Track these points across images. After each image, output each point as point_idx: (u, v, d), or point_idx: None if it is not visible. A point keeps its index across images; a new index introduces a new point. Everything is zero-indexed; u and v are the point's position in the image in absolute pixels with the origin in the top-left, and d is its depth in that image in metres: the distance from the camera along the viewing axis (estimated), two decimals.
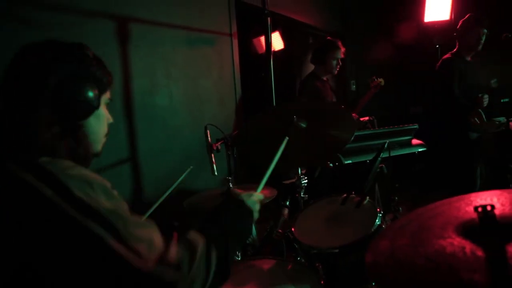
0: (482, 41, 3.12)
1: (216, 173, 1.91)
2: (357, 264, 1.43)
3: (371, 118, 3.35)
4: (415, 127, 2.59)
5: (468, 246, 0.94)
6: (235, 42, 3.51)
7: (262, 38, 3.61)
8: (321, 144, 1.71)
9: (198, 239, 0.92)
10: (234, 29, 3.49)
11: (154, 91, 2.77)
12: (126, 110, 2.58)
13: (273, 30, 4.53)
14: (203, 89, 3.18)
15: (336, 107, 2.57)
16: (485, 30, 3.09)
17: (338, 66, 3.16)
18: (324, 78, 3.23)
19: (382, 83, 3.52)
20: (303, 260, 1.70)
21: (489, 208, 0.96)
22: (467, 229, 1.02)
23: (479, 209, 0.97)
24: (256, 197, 1.15)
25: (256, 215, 1.13)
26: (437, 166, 3.87)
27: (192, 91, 3.09)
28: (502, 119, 2.81)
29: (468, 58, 3.26)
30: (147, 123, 2.69)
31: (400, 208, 2.02)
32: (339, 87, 5.67)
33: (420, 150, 2.60)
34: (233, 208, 1.07)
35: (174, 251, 0.86)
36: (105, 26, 2.40)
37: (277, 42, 4.66)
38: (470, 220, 1.04)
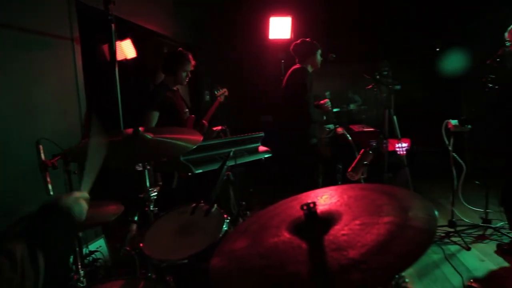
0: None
1: (51, 193, 1.70)
2: (207, 271, 1.45)
3: (223, 128, 3.49)
4: (261, 135, 2.81)
5: (296, 241, 1.05)
6: (78, 48, 3.19)
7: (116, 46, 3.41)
8: (167, 153, 1.70)
9: (16, 245, 0.92)
10: (76, 33, 3.18)
11: None
12: None
13: (123, 38, 4.34)
14: (38, 99, 2.79)
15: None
16: (320, 51, 3.63)
17: (188, 78, 3.19)
18: (174, 88, 3.22)
19: (226, 93, 3.74)
20: (154, 276, 1.65)
21: (311, 205, 1.09)
22: (296, 226, 1.14)
23: (304, 207, 1.10)
24: (75, 196, 1.10)
25: (78, 213, 1.08)
26: (288, 169, 4.27)
27: (24, 101, 2.68)
28: (331, 126, 3.29)
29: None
30: None
31: (248, 212, 2.15)
32: (193, 97, 5.77)
33: (266, 156, 2.83)
34: (48, 209, 1.06)
35: None
36: None
37: (128, 50, 4.48)
38: (299, 217, 1.16)
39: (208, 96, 5.97)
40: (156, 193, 1.84)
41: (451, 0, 6.05)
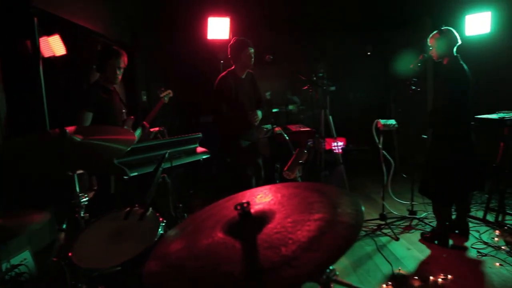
0: (253, 59, 3.61)
1: None
2: (142, 277, 1.40)
3: (161, 129, 3.40)
4: (199, 136, 2.77)
5: (229, 241, 1.05)
6: None
7: (39, 41, 3.15)
8: (99, 155, 1.61)
9: None
10: None
11: None
12: None
13: (51, 33, 4.04)
14: None
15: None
16: (252, 49, 3.59)
17: (120, 76, 3.04)
18: (111, 88, 3.06)
19: (171, 94, 3.63)
20: (84, 286, 1.56)
21: (245, 205, 1.10)
22: (231, 226, 1.14)
23: (238, 207, 1.10)
24: None
25: None
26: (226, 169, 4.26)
27: None
28: (269, 126, 3.33)
29: (243, 76, 3.69)
30: None
31: (186, 214, 2.11)
32: (130, 97, 5.55)
33: (204, 157, 2.80)
34: None
35: None
36: None
37: (57, 46, 4.19)
38: (233, 217, 1.16)
39: (145, 96, 5.78)
40: (87, 198, 1.74)
41: (381, 8, 6.43)
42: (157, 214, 1.63)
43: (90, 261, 1.47)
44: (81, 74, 4.93)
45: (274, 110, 6.13)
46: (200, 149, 2.81)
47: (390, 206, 4.23)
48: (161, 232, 1.52)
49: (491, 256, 3.07)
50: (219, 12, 5.05)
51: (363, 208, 1.07)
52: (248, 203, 1.08)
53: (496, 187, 3.83)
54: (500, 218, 3.71)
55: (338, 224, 0.98)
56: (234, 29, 5.15)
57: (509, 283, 2.66)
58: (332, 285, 1.05)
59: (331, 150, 5.67)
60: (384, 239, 3.61)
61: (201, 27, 5.11)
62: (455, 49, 3.28)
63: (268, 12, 6.11)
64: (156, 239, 1.49)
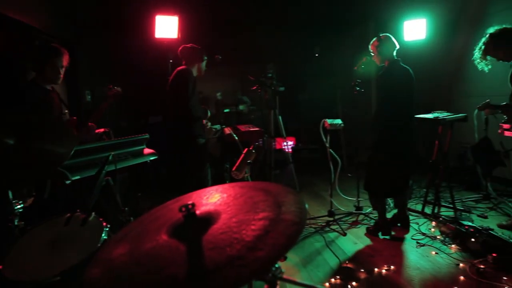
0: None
1: None
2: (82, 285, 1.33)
3: (106, 130, 3.26)
4: (146, 136, 2.69)
5: (174, 244, 1.04)
6: None
7: None
8: (36, 159, 1.51)
9: None
10: None
11: None
12: None
13: None
14: None
15: (53, 121, 2.36)
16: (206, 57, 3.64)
17: (62, 76, 2.87)
18: (49, 88, 2.88)
19: (120, 92, 3.48)
20: None
21: (190, 206, 1.09)
22: (176, 229, 1.12)
23: (183, 209, 1.09)
24: None
25: None
26: (177, 170, 4.18)
27: None
28: (218, 126, 3.32)
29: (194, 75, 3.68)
30: None
31: (132, 218, 2.04)
32: (72, 97, 5.27)
33: (152, 158, 2.72)
34: None
35: None
36: None
37: None
38: (179, 219, 1.15)
39: (89, 96, 5.52)
40: (22, 205, 1.62)
41: (329, 11, 6.65)
42: (101, 219, 1.56)
43: (25, 273, 1.38)
44: (17, 72, 4.61)
45: (225, 111, 6.12)
46: (147, 151, 2.73)
47: (338, 203, 4.39)
48: (104, 237, 1.46)
49: (428, 245, 3.29)
50: (167, 11, 4.95)
51: (306, 206, 1.10)
52: (193, 204, 1.07)
53: (432, 182, 4.12)
54: (436, 210, 3.98)
55: (282, 222, 1.00)
56: (182, 28, 5.08)
57: (443, 269, 2.87)
58: (278, 283, 1.06)
59: (281, 150, 5.77)
60: (332, 234, 3.74)
61: (149, 26, 4.99)
62: (395, 53, 3.49)
63: (217, 11, 6.09)
64: (99, 244, 1.43)
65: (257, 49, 7.02)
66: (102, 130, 3.27)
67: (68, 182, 2.15)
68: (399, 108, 3.39)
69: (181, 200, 1.38)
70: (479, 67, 3.44)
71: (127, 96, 3.60)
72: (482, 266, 2.79)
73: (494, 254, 2.82)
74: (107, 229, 1.50)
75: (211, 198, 1.25)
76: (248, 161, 2.35)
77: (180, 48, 3.69)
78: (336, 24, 6.87)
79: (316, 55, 7.34)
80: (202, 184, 3.48)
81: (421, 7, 5.46)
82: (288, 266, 3.11)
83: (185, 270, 0.90)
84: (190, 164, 3.55)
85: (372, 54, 3.57)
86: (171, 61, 4.86)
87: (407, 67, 3.46)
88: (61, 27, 5.09)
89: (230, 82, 7.55)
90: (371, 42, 3.57)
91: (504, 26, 3.29)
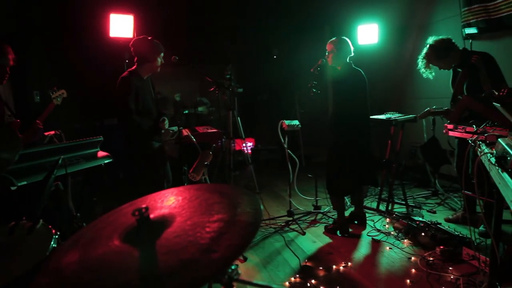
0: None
1: None
2: None
3: (57, 132, 3.11)
4: (100, 139, 2.59)
5: (127, 249, 1.01)
6: None
7: None
8: None
9: None
10: None
11: None
12: None
13: None
14: None
15: None
16: (162, 54, 3.40)
17: (7, 75, 2.70)
18: None
19: (65, 95, 3.31)
20: None
21: (144, 210, 1.06)
22: (129, 233, 1.09)
23: (136, 213, 1.06)
24: None
25: None
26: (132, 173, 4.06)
27: None
28: (175, 128, 3.26)
29: (145, 77, 3.45)
30: None
31: (85, 224, 1.96)
32: (20, 98, 4.98)
33: (106, 161, 2.63)
34: None
35: None
36: None
37: None
38: (132, 224, 1.11)
39: (38, 97, 5.24)
40: None
41: (286, 14, 6.76)
42: (50, 226, 1.49)
43: None
44: None
45: (185, 112, 6.04)
46: (101, 154, 2.64)
47: (296, 203, 4.46)
48: (53, 245, 1.39)
49: (383, 241, 3.43)
50: (122, 9, 4.81)
51: (262, 207, 1.11)
52: (147, 208, 1.05)
53: (386, 180, 4.29)
54: (390, 207, 4.16)
55: (237, 224, 1.00)
56: (138, 28, 4.95)
57: (397, 263, 3.00)
58: (234, 285, 1.06)
59: (240, 151, 5.78)
60: (292, 234, 3.79)
61: (103, 24, 4.82)
62: (348, 59, 3.61)
63: (173, 11, 6.00)
64: (48, 253, 1.36)
65: (216, 50, 6.99)
66: (52, 132, 3.12)
67: (13, 188, 2.02)
68: (352, 109, 3.52)
69: (135, 203, 1.34)
70: (424, 75, 3.61)
71: (80, 97, 3.46)
72: (431, 259, 2.95)
73: (441, 247, 2.99)
74: (57, 236, 1.43)
75: (166, 201, 1.22)
76: (206, 163, 2.33)
77: (132, 42, 3.32)
78: (294, 27, 7.00)
79: (275, 56, 7.43)
80: (158, 187, 3.38)
81: (373, 13, 5.69)
82: (249, 267, 3.12)
83: (138, 276, 0.88)
84: (145, 166, 3.41)
85: (327, 54, 3.64)
86: (127, 61, 4.72)
87: (358, 69, 3.60)
88: (4, 24, 4.80)
89: (188, 84, 7.47)
90: (329, 40, 3.65)
91: (441, 37, 3.45)
